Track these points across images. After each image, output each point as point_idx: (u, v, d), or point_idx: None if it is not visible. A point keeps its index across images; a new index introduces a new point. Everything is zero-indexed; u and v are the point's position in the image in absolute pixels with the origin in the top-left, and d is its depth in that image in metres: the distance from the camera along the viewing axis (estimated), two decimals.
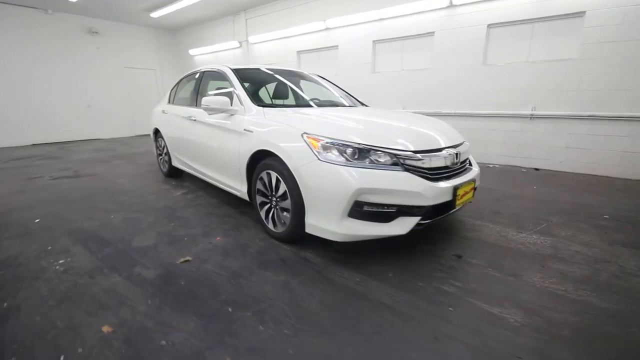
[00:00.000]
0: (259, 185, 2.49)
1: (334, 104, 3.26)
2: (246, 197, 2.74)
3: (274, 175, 2.31)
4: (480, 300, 1.74)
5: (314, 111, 2.69)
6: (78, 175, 4.66)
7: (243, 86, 2.89)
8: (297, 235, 2.28)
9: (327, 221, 2.00)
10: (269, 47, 8.02)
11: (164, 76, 10.33)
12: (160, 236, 2.55)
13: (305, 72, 3.76)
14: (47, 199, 3.52)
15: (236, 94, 2.85)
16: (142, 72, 9.83)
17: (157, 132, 4.52)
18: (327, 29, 6.79)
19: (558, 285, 1.89)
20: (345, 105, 3.30)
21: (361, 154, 1.96)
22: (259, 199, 2.55)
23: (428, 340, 1.46)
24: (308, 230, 2.13)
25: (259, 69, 3.36)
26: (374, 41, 6.28)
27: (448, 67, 5.51)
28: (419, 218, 2.00)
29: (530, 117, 4.89)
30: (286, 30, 7.36)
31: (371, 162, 1.95)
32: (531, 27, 4.72)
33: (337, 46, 6.82)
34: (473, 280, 1.93)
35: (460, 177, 2.20)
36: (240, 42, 8.57)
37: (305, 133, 2.09)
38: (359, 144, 1.97)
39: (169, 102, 4.30)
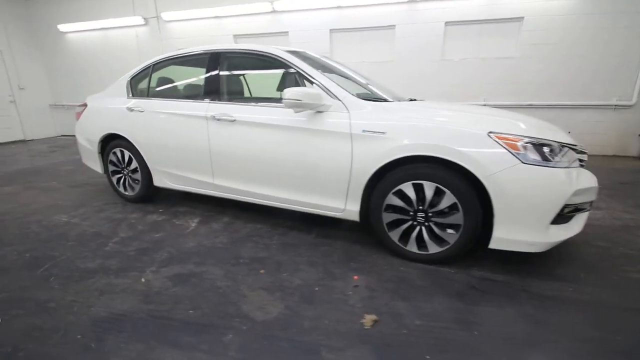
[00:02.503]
0: (394, 201, 1.98)
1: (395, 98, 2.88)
2: (355, 218, 2.16)
3: (429, 185, 1.87)
4: None
5: (426, 105, 2.30)
6: None
7: (327, 75, 2.23)
8: (461, 254, 1.94)
9: (527, 232, 1.75)
10: (193, 27, 6.60)
11: (17, 60, 7.23)
12: (276, 294, 1.73)
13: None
14: None
15: (320, 86, 2.17)
16: None
17: (108, 140, 3.10)
18: (274, 11, 6.05)
19: None
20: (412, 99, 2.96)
21: (553, 151, 1.77)
22: (389, 217, 2.03)
23: None
24: (494, 245, 1.82)
25: (305, 52, 2.65)
26: (331, 30, 5.96)
27: (409, 61, 5.75)
28: (588, 212, 1.98)
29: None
30: (219, 9, 6.20)
31: (560, 160, 1.79)
32: (481, 27, 5.37)
33: (287, 32, 6.18)
34: None
35: None
36: (145, 19, 6.75)
37: (491, 132, 1.75)
38: (554, 141, 1.78)
39: (132, 95, 2.99)
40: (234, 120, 2.39)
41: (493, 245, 1.82)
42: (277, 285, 1.81)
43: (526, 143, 1.72)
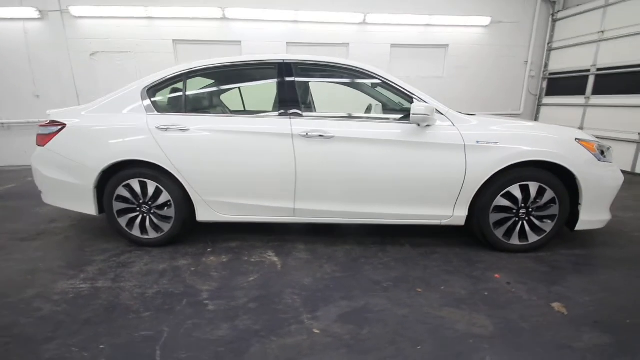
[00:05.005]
0: (501, 202, 2.25)
1: None
2: (460, 223, 2.34)
3: (534, 185, 2.21)
4: None
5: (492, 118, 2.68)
6: None
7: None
8: (548, 241, 2.35)
9: (600, 213, 2.30)
10: (117, 26, 5.43)
11: None
12: (463, 307, 1.74)
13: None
14: None
15: (424, 101, 2.28)
16: None
17: (113, 169, 2.34)
18: (225, 18, 5.59)
19: None
20: None
21: (607, 151, 2.35)
22: (496, 217, 2.28)
23: None
24: (580, 227, 2.28)
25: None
26: (287, 43, 5.91)
27: None
28: None
29: None
30: (155, 9, 5.32)
31: (609, 156, 2.38)
32: (419, 50, 6.30)
33: (239, 42, 5.80)
34: None
35: None
36: (41, 12, 5.18)
37: (577, 138, 2.21)
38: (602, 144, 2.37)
39: (157, 110, 2.35)
40: (332, 137, 2.21)
41: (579, 227, 2.29)
42: (452, 300, 1.81)
43: (598, 145, 2.26)
